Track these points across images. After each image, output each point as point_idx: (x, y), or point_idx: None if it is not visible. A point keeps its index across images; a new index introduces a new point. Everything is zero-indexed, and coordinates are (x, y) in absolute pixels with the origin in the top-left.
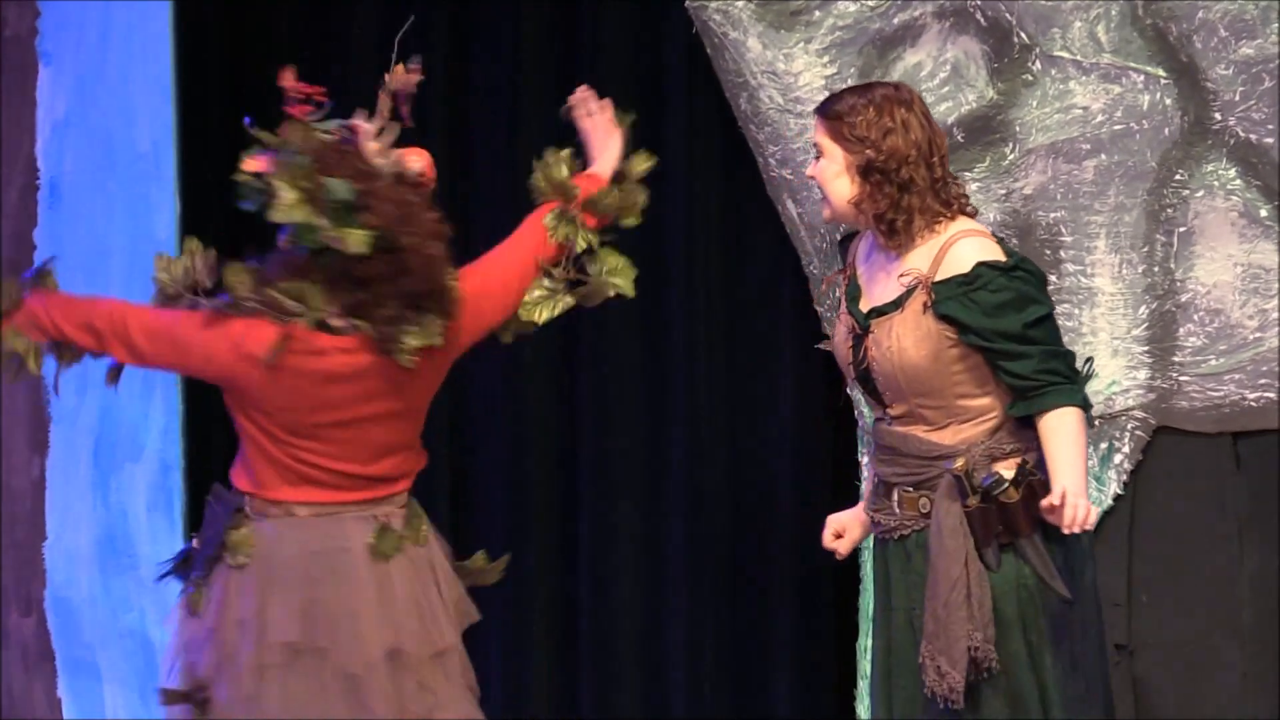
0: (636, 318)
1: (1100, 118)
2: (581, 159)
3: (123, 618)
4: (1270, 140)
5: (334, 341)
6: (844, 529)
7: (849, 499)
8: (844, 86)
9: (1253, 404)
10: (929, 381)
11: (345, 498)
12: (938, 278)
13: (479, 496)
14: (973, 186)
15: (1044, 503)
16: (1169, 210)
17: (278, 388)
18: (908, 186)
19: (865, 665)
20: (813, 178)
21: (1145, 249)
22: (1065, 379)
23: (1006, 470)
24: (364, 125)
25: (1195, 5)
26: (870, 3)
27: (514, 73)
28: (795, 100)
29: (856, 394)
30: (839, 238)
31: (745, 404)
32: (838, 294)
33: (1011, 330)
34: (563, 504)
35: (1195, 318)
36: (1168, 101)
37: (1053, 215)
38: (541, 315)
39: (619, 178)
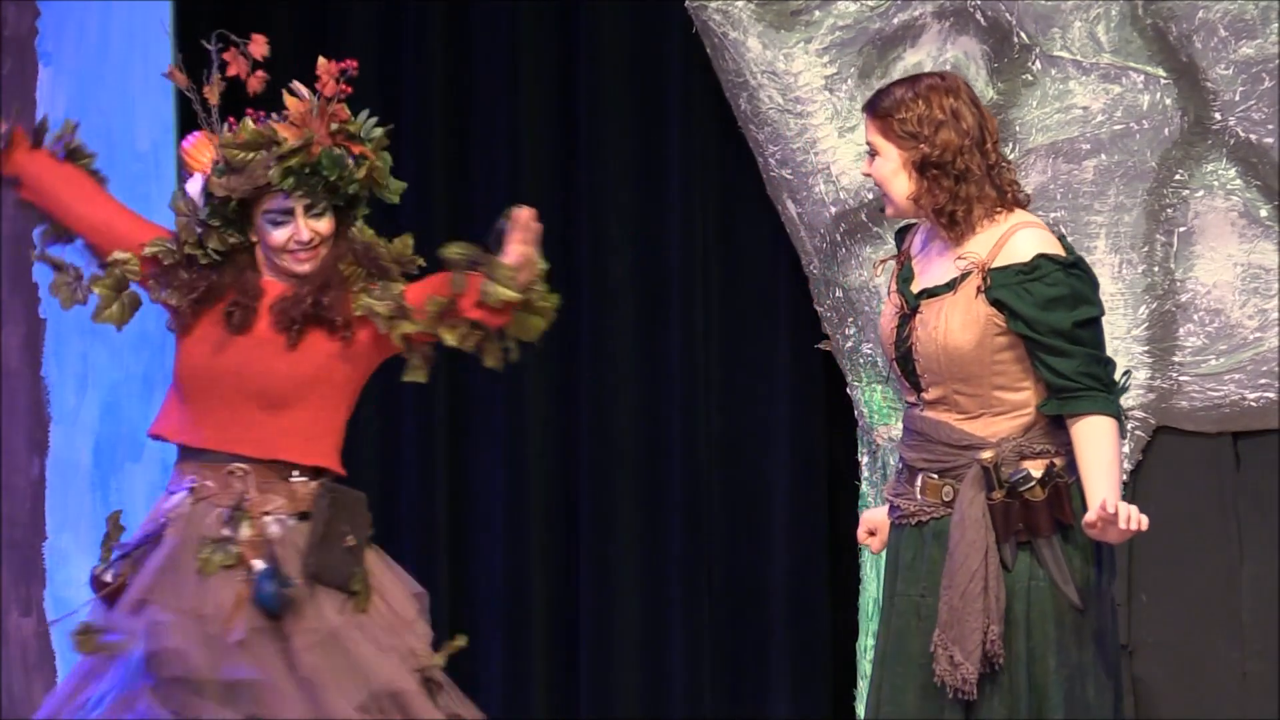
0: (635, 318)
1: (1100, 118)
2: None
3: None
4: (1270, 140)
5: None
6: (876, 526)
7: (847, 499)
8: (843, 85)
9: (1253, 404)
10: (970, 367)
11: None
12: (995, 264)
13: (478, 498)
14: None
15: (1086, 519)
16: (1169, 210)
17: None
18: (965, 176)
19: (864, 665)
20: (868, 175)
21: (1145, 249)
22: (1103, 386)
23: (1035, 469)
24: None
25: (1195, 5)
26: (870, 3)
27: (512, 73)
28: (795, 100)
29: (857, 394)
30: (896, 229)
31: (744, 404)
32: (890, 278)
33: (1060, 326)
34: (562, 504)
35: (1195, 318)
36: (1168, 101)
37: (1053, 215)
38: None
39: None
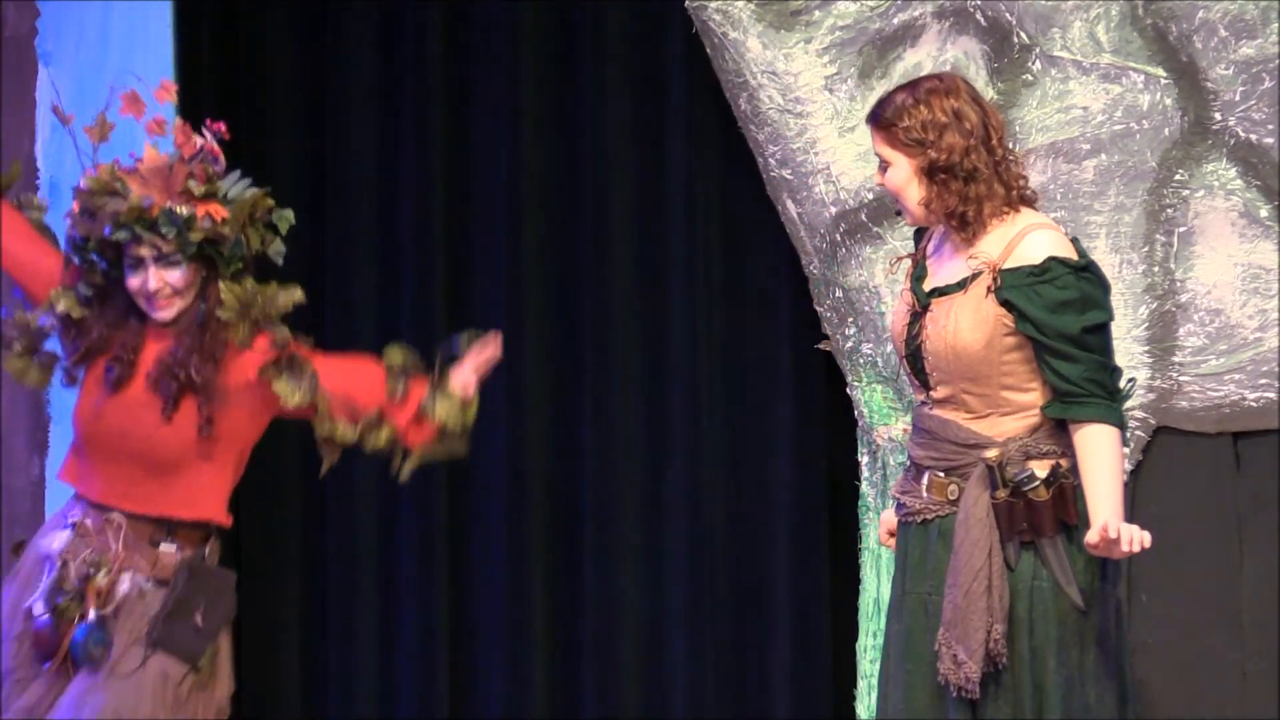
0: (636, 317)
1: (1100, 118)
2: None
3: None
4: (1270, 140)
5: None
6: (895, 528)
7: (847, 499)
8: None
9: (1253, 404)
10: (978, 366)
11: None
12: (1007, 265)
13: (480, 499)
14: None
15: (1088, 539)
16: (1169, 210)
17: None
18: (973, 176)
19: (864, 665)
20: (882, 186)
21: (1145, 249)
22: (1107, 394)
23: (1040, 469)
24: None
25: (1195, 5)
26: (870, 3)
27: (513, 73)
28: (795, 100)
29: (857, 394)
30: (915, 228)
31: (745, 404)
32: (906, 273)
33: (1068, 331)
34: (565, 505)
35: (1195, 318)
36: (1168, 101)
37: (1053, 215)
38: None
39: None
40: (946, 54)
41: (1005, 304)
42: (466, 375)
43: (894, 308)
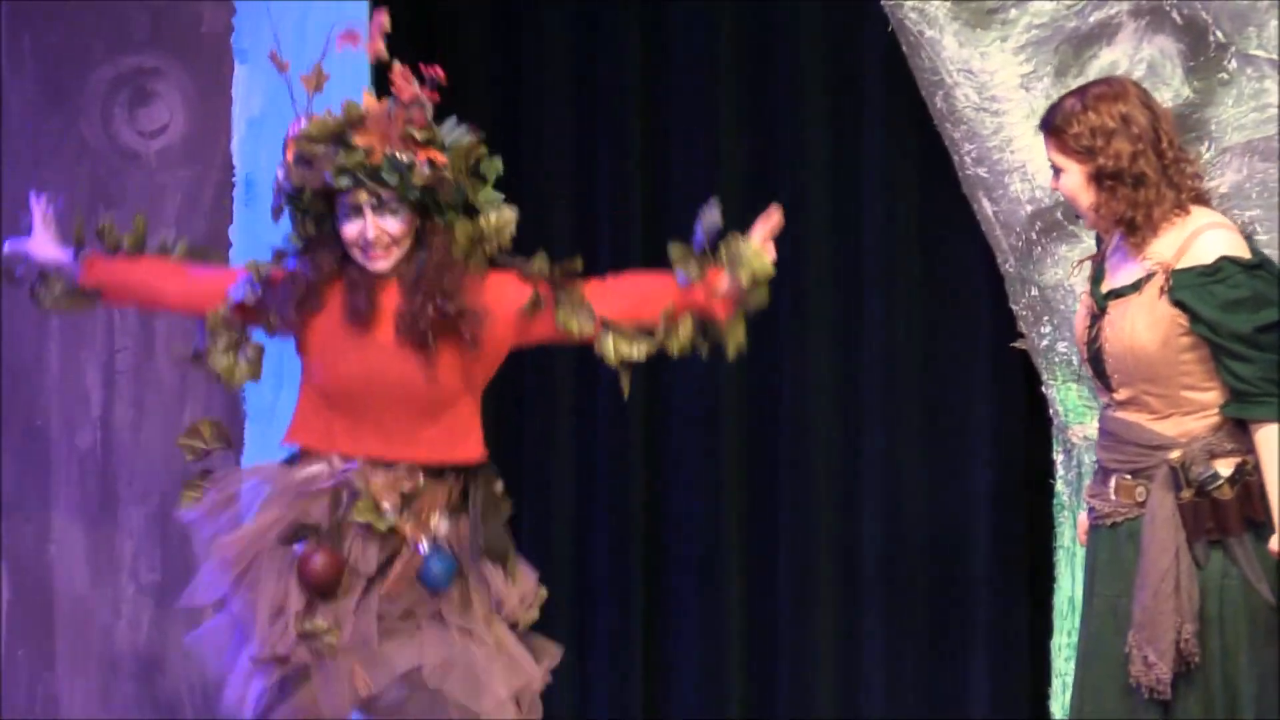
0: (833, 316)
1: None
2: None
3: None
4: None
5: None
6: None
7: (1045, 498)
8: (1039, 83)
9: None
10: (1157, 367)
11: None
12: (1180, 265)
13: (670, 493)
14: None
15: (1271, 546)
16: None
17: None
18: (1141, 180)
19: (1059, 664)
20: (1057, 190)
21: None
22: None
23: (1224, 467)
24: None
25: None
26: (1066, 1)
27: (711, 75)
28: (991, 98)
29: (1052, 392)
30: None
31: (942, 403)
32: (1086, 276)
33: (1241, 330)
34: (761, 502)
35: None
36: None
37: (1249, 214)
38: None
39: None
40: (1142, 52)
41: (1178, 304)
42: (761, 233)
43: (1076, 311)
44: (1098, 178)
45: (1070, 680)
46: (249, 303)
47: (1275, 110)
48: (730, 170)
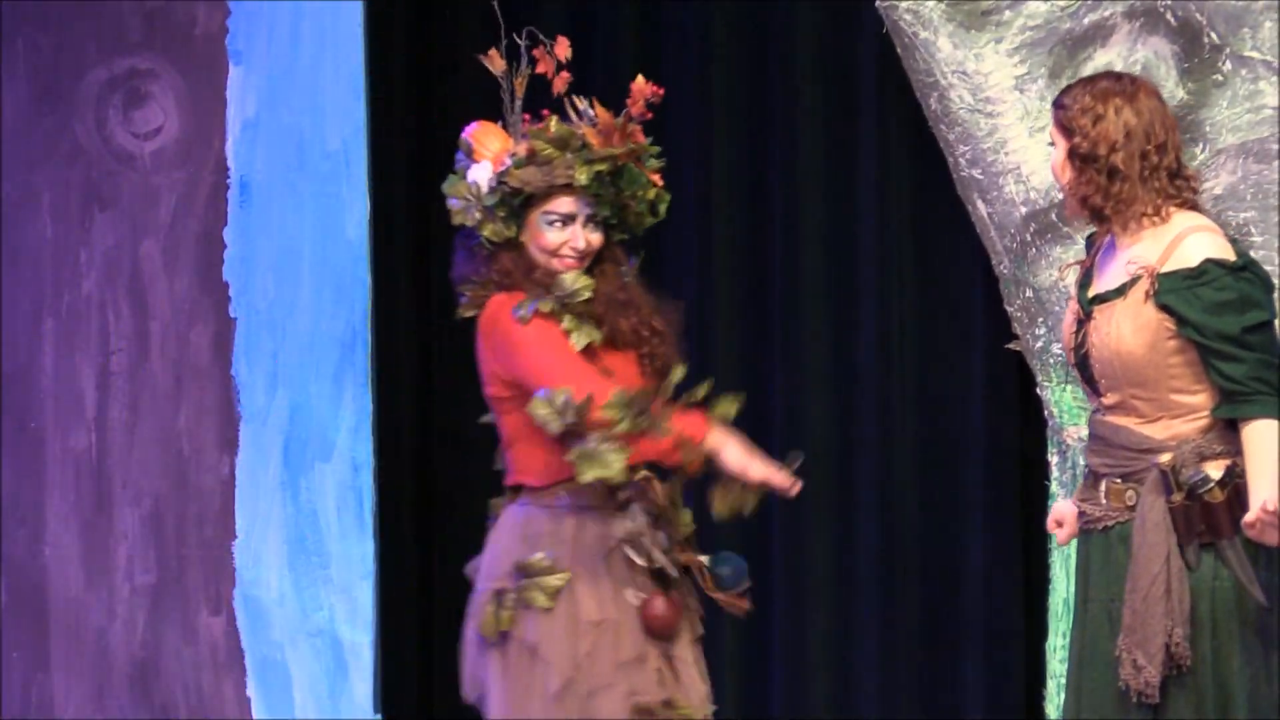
0: (827, 316)
1: None
2: None
3: (312, 616)
4: None
5: None
6: (1064, 518)
7: (1038, 498)
8: (1033, 85)
9: None
10: (1144, 371)
11: None
12: (1165, 269)
13: None
14: None
15: (1245, 519)
16: None
17: None
18: (1114, 173)
19: (1054, 665)
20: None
21: None
22: (1273, 390)
23: (1214, 470)
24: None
25: None
26: (1061, 2)
27: (704, 75)
28: (985, 100)
29: (1047, 394)
30: (1087, 233)
31: (936, 404)
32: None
33: (1229, 331)
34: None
35: None
36: None
37: (1243, 215)
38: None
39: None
40: (1137, 54)
41: (1164, 308)
42: (752, 469)
43: (1064, 316)
44: (1072, 155)
45: (1065, 682)
46: None
47: (1270, 112)
48: (723, 172)
